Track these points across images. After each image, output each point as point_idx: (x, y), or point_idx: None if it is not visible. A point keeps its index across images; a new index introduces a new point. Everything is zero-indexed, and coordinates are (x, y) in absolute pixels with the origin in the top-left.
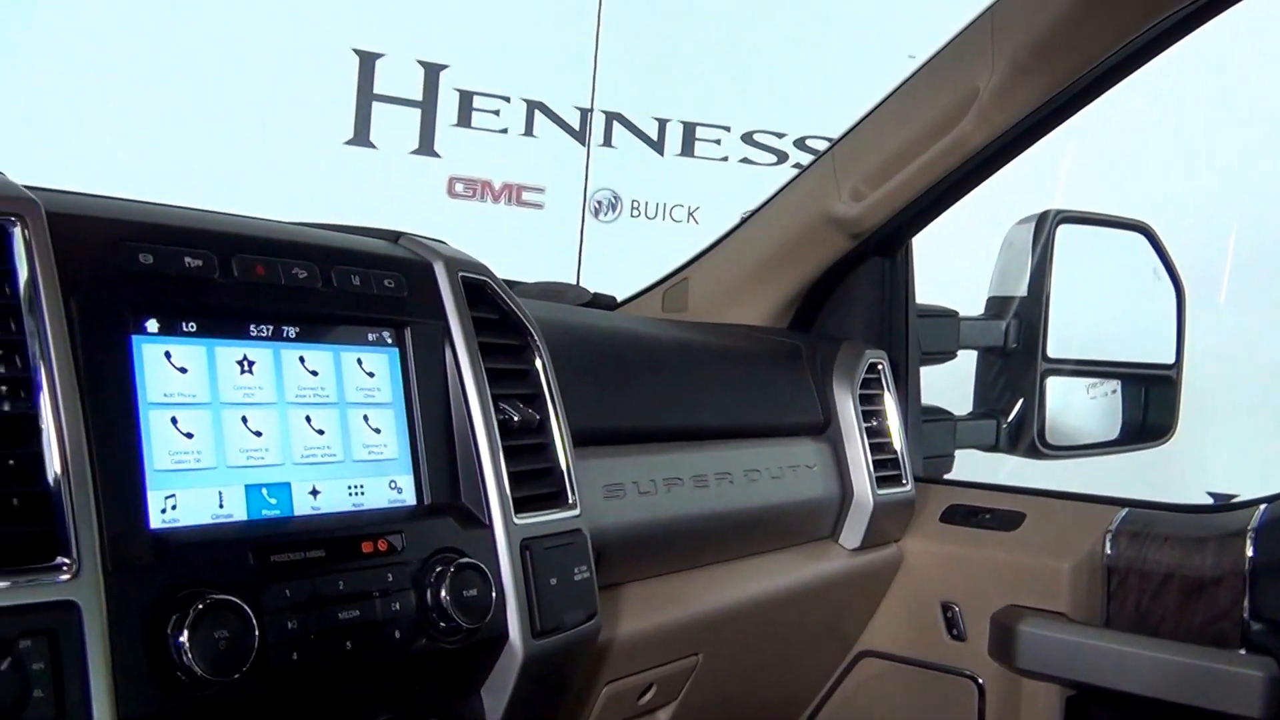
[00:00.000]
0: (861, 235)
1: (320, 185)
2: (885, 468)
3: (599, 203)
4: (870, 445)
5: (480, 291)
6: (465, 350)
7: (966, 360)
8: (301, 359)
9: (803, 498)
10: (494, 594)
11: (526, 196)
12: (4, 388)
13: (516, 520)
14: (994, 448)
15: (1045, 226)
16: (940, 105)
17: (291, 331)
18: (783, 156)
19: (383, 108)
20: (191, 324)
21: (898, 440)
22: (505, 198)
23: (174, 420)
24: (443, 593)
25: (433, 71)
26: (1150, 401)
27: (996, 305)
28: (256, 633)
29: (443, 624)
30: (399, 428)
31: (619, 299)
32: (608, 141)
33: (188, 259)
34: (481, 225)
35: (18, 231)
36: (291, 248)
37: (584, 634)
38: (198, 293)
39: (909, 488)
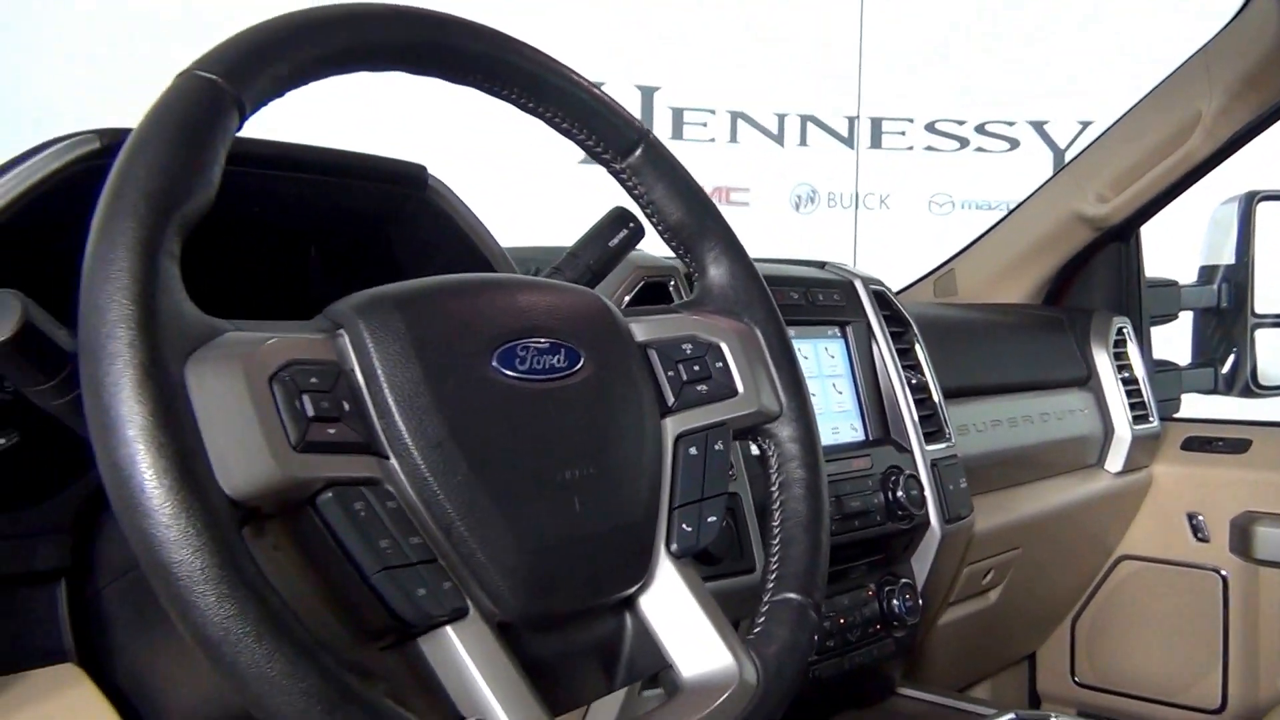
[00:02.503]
0: (1104, 228)
1: (563, 202)
2: (1136, 409)
3: (799, 197)
4: (1126, 392)
5: (881, 296)
6: (882, 338)
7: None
8: (799, 349)
9: (1077, 434)
10: (924, 494)
11: (734, 196)
12: None
13: (926, 449)
14: (1213, 391)
15: (1246, 204)
16: (1169, 126)
17: (793, 331)
18: (964, 142)
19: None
20: None
21: (1144, 387)
22: (716, 199)
23: None
24: (899, 493)
25: (648, 93)
26: None
27: (1207, 273)
28: None
29: (899, 513)
30: (850, 390)
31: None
32: (803, 141)
33: None
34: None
35: None
36: (789, 280)
37: (968, 524)
38: None
39: (1155, 424)
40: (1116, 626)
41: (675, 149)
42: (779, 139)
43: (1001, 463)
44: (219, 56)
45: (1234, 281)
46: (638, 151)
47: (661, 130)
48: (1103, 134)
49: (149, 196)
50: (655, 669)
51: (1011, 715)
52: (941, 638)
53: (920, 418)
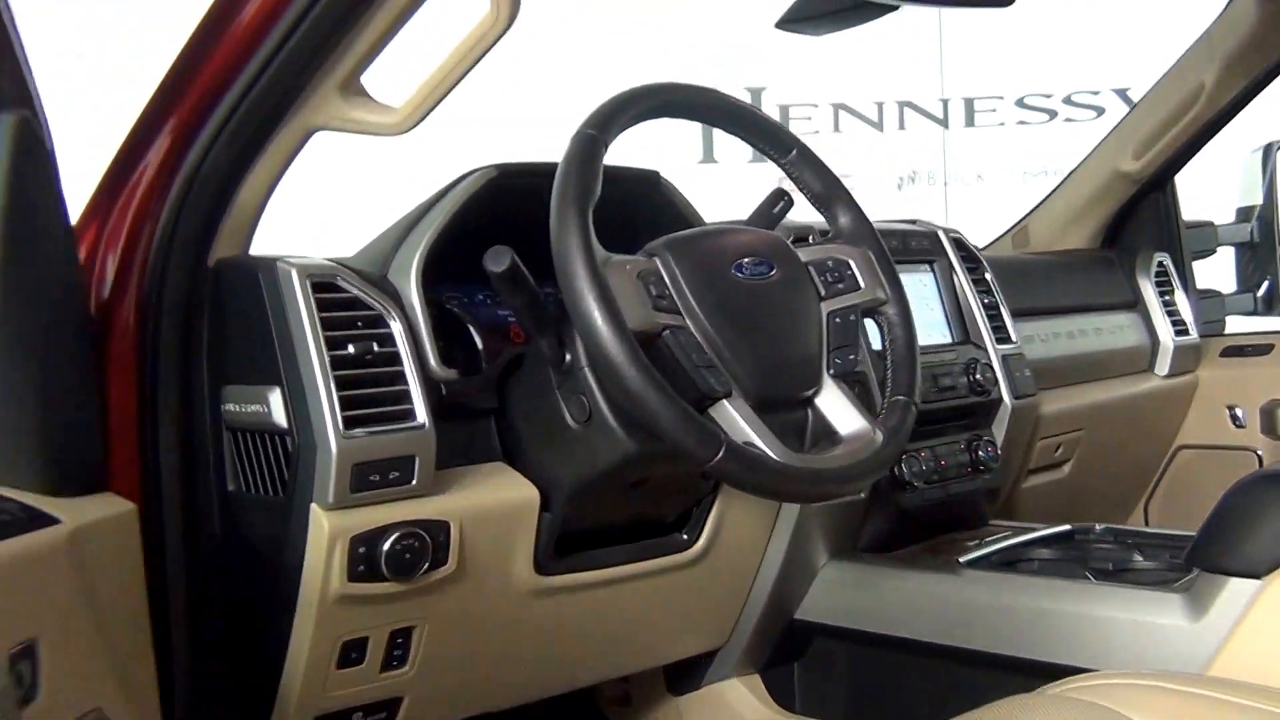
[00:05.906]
0: (1142, 181)
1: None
2: (1177, 325)
3: (901, 178)
4: (1166, 313)
5: (958, 242)
6: (961, 272)
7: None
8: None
9: (1127, 345)
10: (996, 377)
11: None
12: None
13: (998, 348)
14: (1252, 313)
15: (1265, 152)
16: (1183, 94)
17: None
18: (1053, 114)
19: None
20: None
21: (1182, 308)
22: None
23: None
24: (977, 375)
25: (756, 94)
26: None
27: (1242, 213)
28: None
29: (978, 389)
30: (939, 308)
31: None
32: (901, 125)
33: None
34: (807, 207)
35: None
36: (891, 232)
37: (1033, 403)
38: None
39: (1194, 336)
40: (1181, 506)
41: None
42: (878, 125)
43: (1062, 365)
44: (595, 120)
45: (1264, 218)
46: (793, 152)
47: None
48: (1134, 105)
49: (579, 196)
50: (826, 435)
51: (1068, 526)
52: (1028, 499)
53: (993, 326)
